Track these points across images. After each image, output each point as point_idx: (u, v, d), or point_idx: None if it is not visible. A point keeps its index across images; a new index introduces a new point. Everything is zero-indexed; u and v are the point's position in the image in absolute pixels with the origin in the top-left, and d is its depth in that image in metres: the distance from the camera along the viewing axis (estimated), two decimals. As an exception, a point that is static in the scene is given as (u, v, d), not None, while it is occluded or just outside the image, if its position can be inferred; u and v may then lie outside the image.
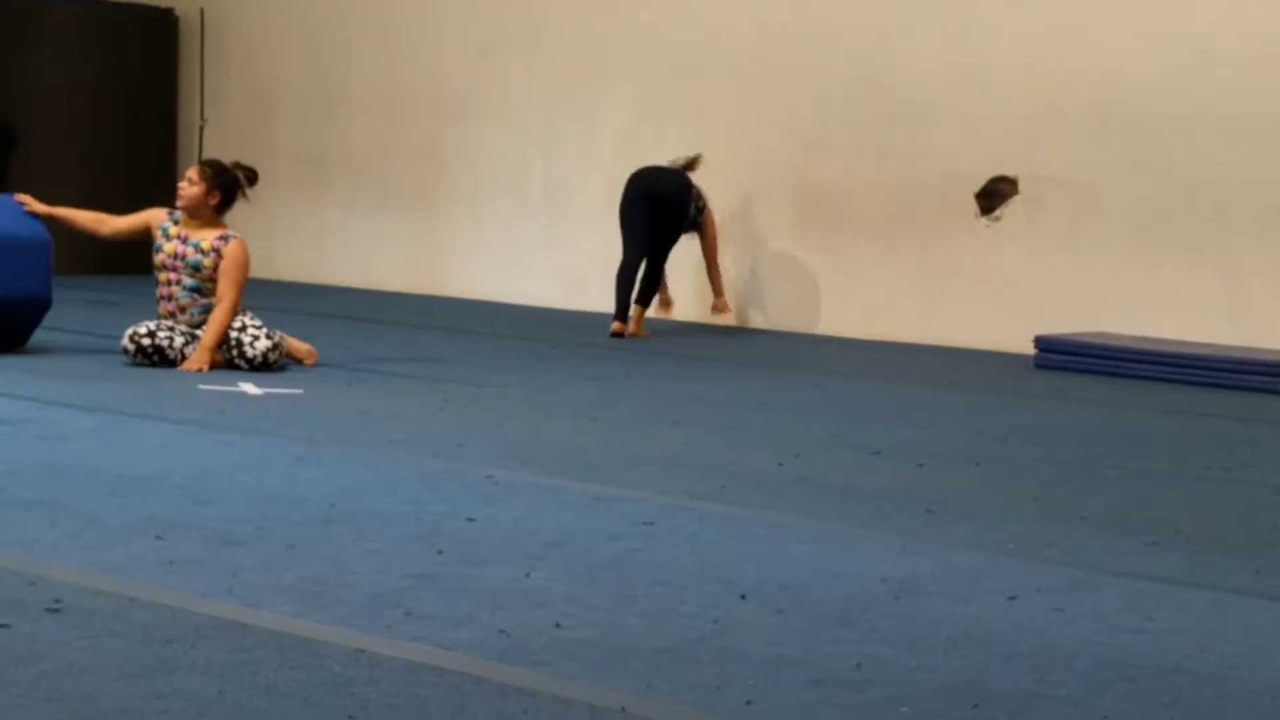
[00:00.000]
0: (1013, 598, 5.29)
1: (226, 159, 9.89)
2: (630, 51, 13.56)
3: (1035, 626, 4.98)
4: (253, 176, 9.68)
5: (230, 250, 9.46)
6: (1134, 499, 7.06)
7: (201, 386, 8.82)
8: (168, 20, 15.51)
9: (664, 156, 12.50)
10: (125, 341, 9.43)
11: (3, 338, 9.68)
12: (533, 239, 14.00)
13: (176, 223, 9.55)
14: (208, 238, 9.49)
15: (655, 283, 12.26)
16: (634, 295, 12.14)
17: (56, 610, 4.71)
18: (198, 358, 9.32)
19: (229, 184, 9.59)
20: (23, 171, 14.69)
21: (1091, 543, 6.16)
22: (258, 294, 13.71)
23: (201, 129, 15.48)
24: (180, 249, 9.47)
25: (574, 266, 13.69)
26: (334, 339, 10.96)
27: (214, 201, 9.53)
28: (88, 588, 4.94)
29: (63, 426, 7.55)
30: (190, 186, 9.51)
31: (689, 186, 12.32)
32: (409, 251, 14.68)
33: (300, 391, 8.83)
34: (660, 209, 12.20)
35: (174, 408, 8.15)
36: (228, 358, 9.43)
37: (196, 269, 9.46)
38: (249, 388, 8.84)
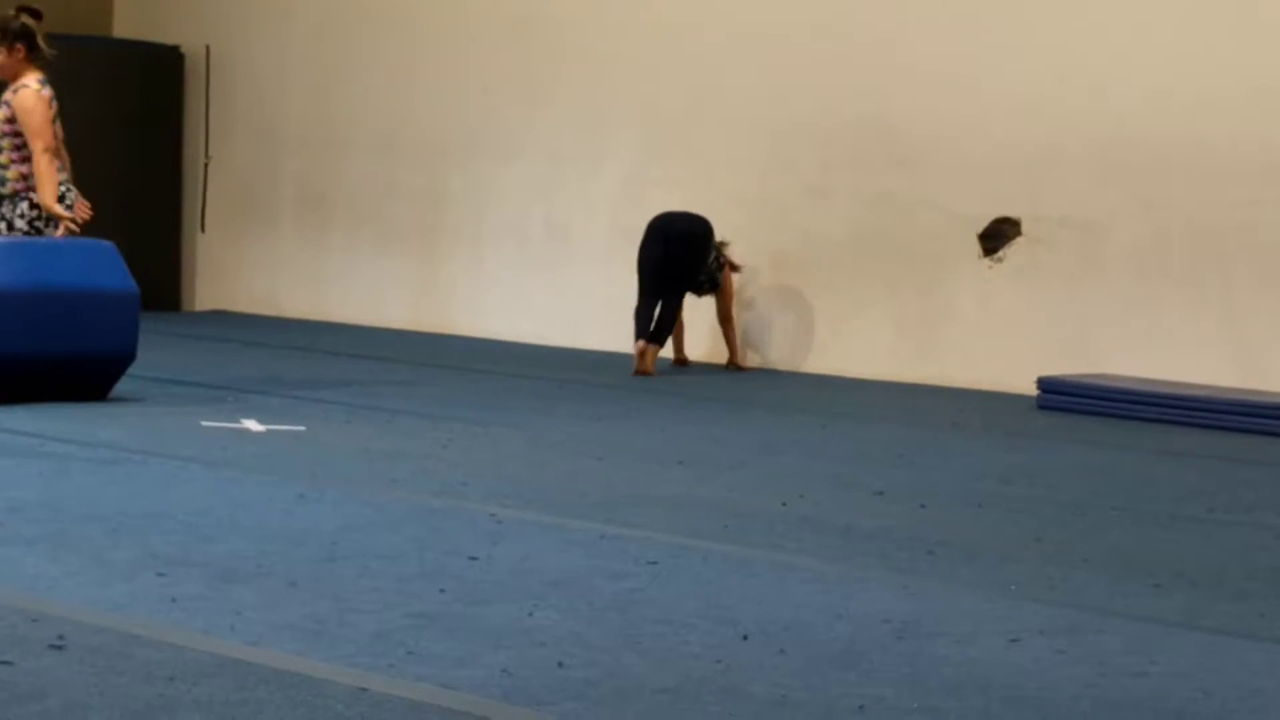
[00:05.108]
0: (1015, 639, 5.29)
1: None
2: (634, 94, 13.58)
3: (1037, 669, 4.98)
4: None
5: (18, 101, 9.37)
6: (1136, 541, 7.06)
7: (204, 423, 8.83)
8: (173, 57, 15.53)
9: (666, 198, 12.49)
10: None
11: (86, 388, 9.45)
12: (536, 279, 14.01)
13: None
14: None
15: (670, 323, 12.07)
16: (650, 329, 12.03)
17: (59, 647, 4.70)
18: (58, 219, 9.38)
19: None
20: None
21: (1094, 585, 6.15)
22: (260, 329, 13.76)
23: (206, 166, 15.49)
24: None
25: (577, 307, 13.70)
26: (337, 377, 10.96)
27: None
28: (90, 625, 4.94)
29: (64, 463, 7.56)
30: None
31: (710, 233, 12.28)
32: (413, 290, 14.68)
33: (303, 429, 8.83)
34: (676, 247, 12.14)
35: (176, 445, 8.15)
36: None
37: None
38: (251, 425, 8.85)
